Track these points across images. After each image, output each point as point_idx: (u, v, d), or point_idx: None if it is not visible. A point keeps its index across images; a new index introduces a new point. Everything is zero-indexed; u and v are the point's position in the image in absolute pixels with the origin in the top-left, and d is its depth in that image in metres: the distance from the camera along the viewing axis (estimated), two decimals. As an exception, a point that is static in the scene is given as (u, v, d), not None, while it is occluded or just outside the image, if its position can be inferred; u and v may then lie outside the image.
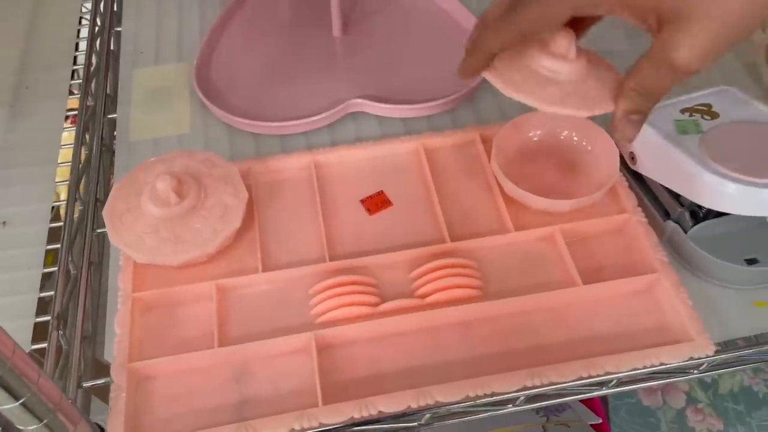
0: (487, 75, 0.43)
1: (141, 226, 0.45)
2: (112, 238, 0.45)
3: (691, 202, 0.46)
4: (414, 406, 0.40)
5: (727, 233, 0.46)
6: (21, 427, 0.34)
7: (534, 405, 0.44)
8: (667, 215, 0.48)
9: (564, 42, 0.41)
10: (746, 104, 0.49)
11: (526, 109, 0.48)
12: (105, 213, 0.46)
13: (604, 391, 0.44)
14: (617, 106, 0.41)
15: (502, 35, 0.40)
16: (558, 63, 0.42)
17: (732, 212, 0.44)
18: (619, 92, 0.41)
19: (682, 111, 0.49)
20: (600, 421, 0.70)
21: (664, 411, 0.84)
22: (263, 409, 0.41)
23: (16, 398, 0.32)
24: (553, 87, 0.42)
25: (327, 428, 0.40)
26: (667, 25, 0.37)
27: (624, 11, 0.38)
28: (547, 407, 0.69)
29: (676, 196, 0.47)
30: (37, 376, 0.34)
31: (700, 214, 0.47)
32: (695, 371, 0.45)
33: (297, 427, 0.39)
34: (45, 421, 0.35)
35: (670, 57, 0.37)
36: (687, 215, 0.47)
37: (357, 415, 0.40)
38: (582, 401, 0.72)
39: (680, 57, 0.37)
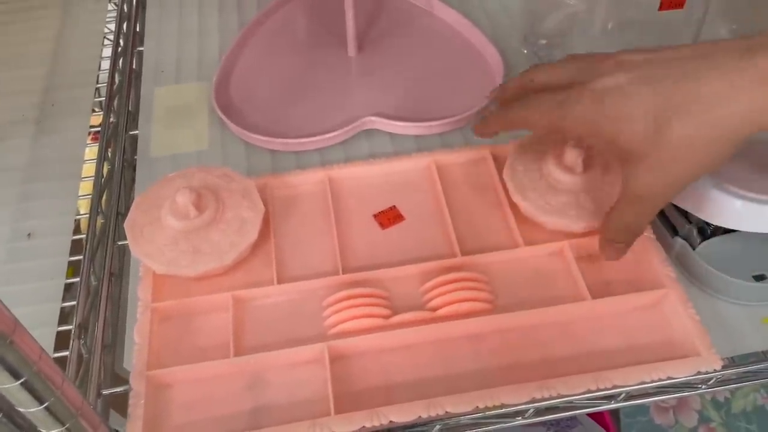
0: (505, 176, 0.50)
1: (161, 238, 0.46)
2: (133, 250, 0.47)
3: (699, 218, 0.47)
4: (424, 416, 0.41)
5: (734, 250, 0.47)
6: (44, 431, 0.36)
7: (543, 418, 0.45)
8: (675, 231, 0.49)
9: (572, 156, 0.47)
10: (753, 123, 0.50)
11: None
12: (126, 225, 0.48)
13: (612, 405, 0.45)
14: (600, 236, 0.45)
15: (498, 123, 0.48)
16: (565, 175, 0.48)
17: (739, 229, 0.45)
18: (601, 227, 0.45)
19: (690, 129, 0.50)
20: (611, 437, 0.70)
21: (676, 430, 0.84)
22: (277, 416, 0.42)
23: (41, 402, 0.34)
24: (555, 196, 0.48)
25: (339, 437, 0.41)
26: (627, 162, 0.40)
27: (593, 143, 0.45)
28: (557, 423, 0.69)
29: (684, 213, 0.48)
30: (61, 381, 0.35)
31: (707, 231, 0.48)
32: (703, 386, 0.45)
33: (310, 435, 0.40)
34: (67, 425, 0.36)
35: (634, 190, 0.41)
36: (695, 232, 0.48)
37: (368, 425, 0.41)
38: (592, 418, 0.72)
39: (642, 188, 0.40)
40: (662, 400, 0.55)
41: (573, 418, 0.70)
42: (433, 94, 0.62)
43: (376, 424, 0.41)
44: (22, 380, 0.32)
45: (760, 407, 0.85)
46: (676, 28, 0.63)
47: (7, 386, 0.32)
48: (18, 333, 0.31)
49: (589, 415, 0.73)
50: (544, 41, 0.66)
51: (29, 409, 0.34)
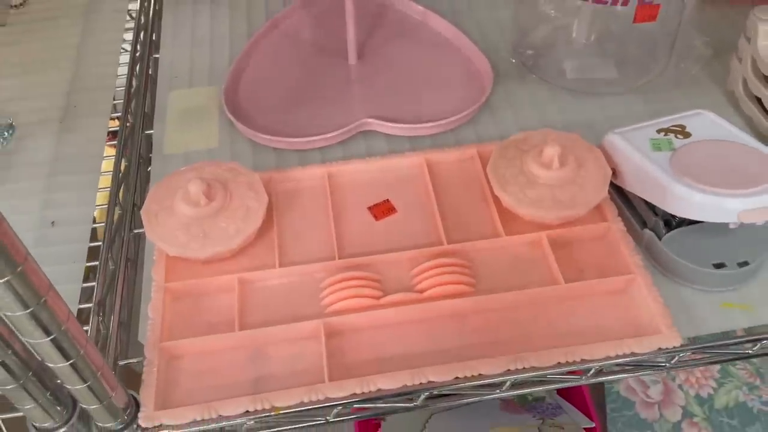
0: (489, 172, 0.54)
1: (174, 224, 0.51)
2: (148, 234, 0.52)
3: (665, 211, 0.51)
4: (409, 384, 0.46)
5: (697, 240, 0.51)
6: (69, 387, 0.40)
7: (519, 391, 0.49)
8: (644, 224, 0.53)
9: (549, 154, 0.52)
10: (718, 125, 0.54)
11: (522, 129, 0.55)
12: (143, 212, 0.53)
13: (583, 381, 0.49)
14: None
15: None
16: (542, 170, 0.52)
17: (698, 219, 0.49)
18: None
19: (658, 131, 0.54)
20: (593, 425, 0.74)
21: (660, 424, 0.87)
22: (276, 384, 0.46)
23: (67, 358, 0.38)
24: (533, 190, 0.52)
25: (332, 403, 0.45)
26: None
27: None
28: (543, 411, 0.73)
29: (652, 207, 0.52)
30: (85, 341, 0.39)
31: (673, 223, 0.52)
32: (667, 364, 0.49)
33: (305, 399, 0.45)
34: (89, 382, 0.40)
35: None
36: (661, 224, 0.52)
37: (358, 391, 0.45)
38: (577, 407, 0.75)
39: None
40: (629, 377, 0.59)
41: (558, 407, 0.74)
42: (427, 99, 0.66)
43: (366, 390, 0.45)
44: (52, 337, 0.37)
45: (742, 403, 0.88)
46: (652, 39, 0.68)
47: (39, 341, 0.36)
48: (51, 295, 0.36)
49: (575, 405, 0.77)
50: (531, 51, 0.70)
51: (57, 364, 0.38)
